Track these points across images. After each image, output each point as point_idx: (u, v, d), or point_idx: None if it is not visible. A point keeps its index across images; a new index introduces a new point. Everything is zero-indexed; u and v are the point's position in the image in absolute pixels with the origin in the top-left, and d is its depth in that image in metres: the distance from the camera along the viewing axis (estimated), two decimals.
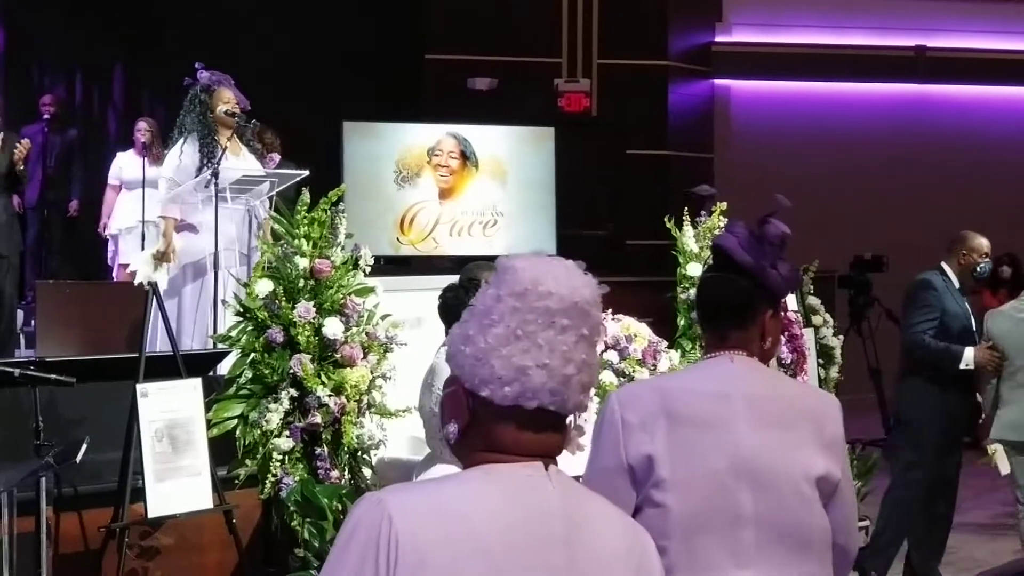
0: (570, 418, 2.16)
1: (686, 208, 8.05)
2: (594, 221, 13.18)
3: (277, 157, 8.07)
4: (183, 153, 7.87)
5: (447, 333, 2.19)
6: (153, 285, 6.04)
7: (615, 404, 3.00)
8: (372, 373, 6.02)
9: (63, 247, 12.54)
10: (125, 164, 11.09)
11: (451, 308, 5.40)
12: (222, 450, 5.89)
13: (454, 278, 5.65)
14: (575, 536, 2.08)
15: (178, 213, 7.86)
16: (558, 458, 2.16)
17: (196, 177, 7.71)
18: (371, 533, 1.99)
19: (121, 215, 11.02)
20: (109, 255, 11.33)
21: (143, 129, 11.04)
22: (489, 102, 14.15)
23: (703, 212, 7.99)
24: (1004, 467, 7.77)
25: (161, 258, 7.77)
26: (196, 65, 8.04)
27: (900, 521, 8.05)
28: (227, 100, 7.96)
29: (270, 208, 7.39)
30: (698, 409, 2.98)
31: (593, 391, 2.20)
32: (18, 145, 8.94)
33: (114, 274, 11.18)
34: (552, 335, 2.08)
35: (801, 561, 2.97)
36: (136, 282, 7.76)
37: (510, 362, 2.07)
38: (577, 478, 2.64)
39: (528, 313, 2.08)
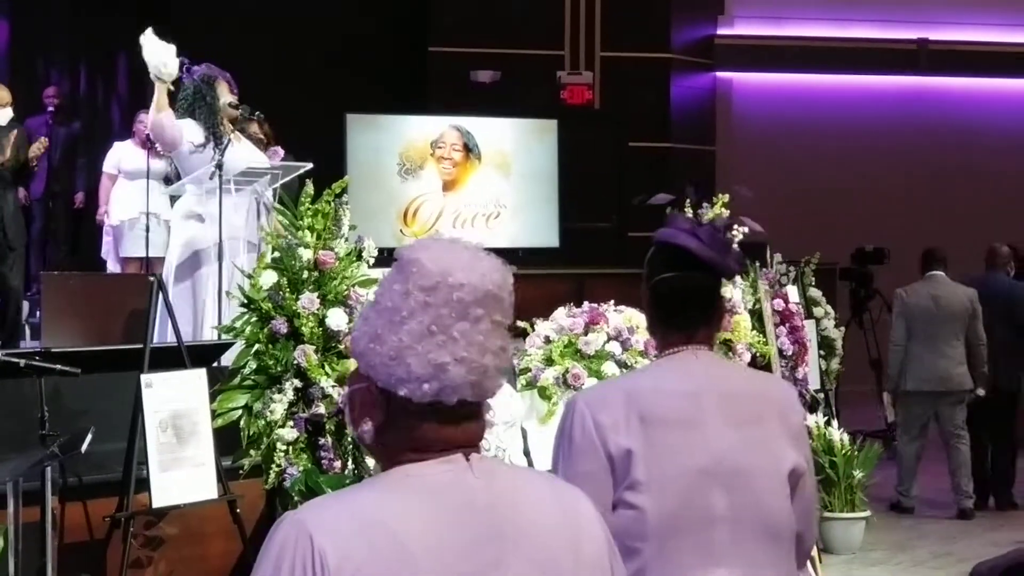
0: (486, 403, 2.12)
1: (688, 200, 8.07)
2: (596, 213, 13.18)
3: (282, 151, 8.07)
4: (185, 123, 7.80)
5: None
6: (158, 276, 6.06)
7: (584, 408, 2.94)
8: None
9: (68, 239, 12.55)
10: (124, 155, 11.05)
11: None
12: (226, 440, 5.91)
13: None
14: (503, 524, 2.04)
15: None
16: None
17: (203, 148, 7.66)
18: (296, 561, 1.93)
19: (122, 206, 10.95)
20: (104, 246, 11.27)
21: (145, 121, 11.02)
22: (492, 95, 14.15)
23: (705, 204, 8.01)
24: (891, 415, 10.38)
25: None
26: (181, 60, 7.98)
27: None
28: (228, 92, 7.95)
29: (274, 200, 7.41)
30: (669, 409, 2.93)
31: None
32: (36, 144, 9.02)
33: (110, 265, 11.14)
34: (467, 327, 2.01)
35: (774, 558, 2.95)
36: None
37: (426, 359, 2.00)
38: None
39: (442, 307, 2.01)
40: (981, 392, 9.98)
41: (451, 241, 2.09)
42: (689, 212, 7.57)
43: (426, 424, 2.04)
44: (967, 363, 9.89)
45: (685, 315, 3.04)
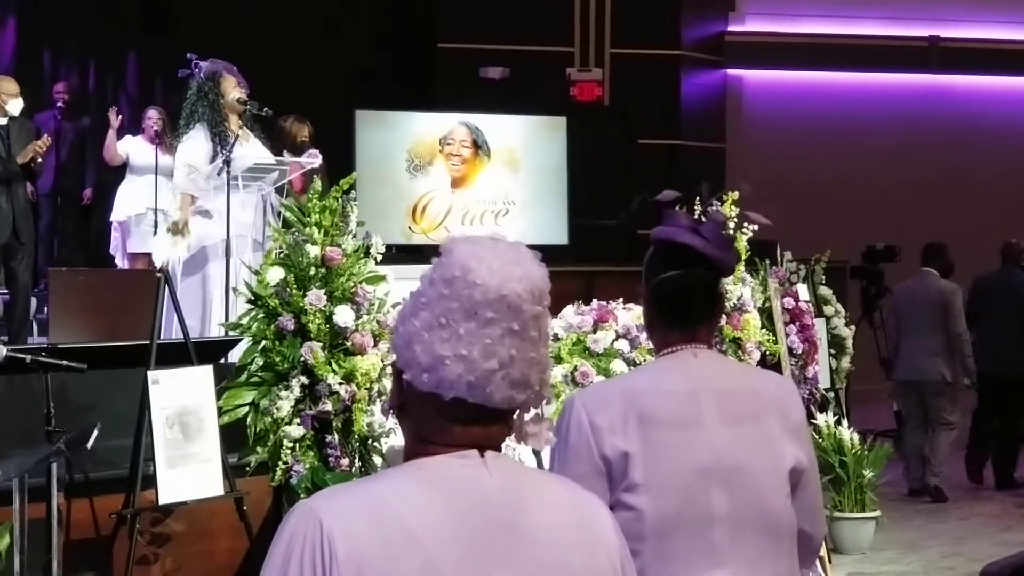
0: (534, 411, 2.09)
1: (698, 198, 8.03)
2: (606, 210, 13.16)
3: (318, 154, 8.06)
4: (191, 138, 7.84)
5: None
6: (165, 272, 6.05)
7: (581, 409, 2.92)
8: (383, 361, 6.02)
9: (76, 234, 12.56)
10: (133, 149, 11.05)
11: None
12: (233, 437, 5.91)
13: None
14: (516, 522, 2.03)
15: (195, 191, 7.85)
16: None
17: (210, 163, 7.71)
18: (305, 546, 1.95)
19: (129, 202, 10.95)
20: (113, 242, 11.26)
21: (154, 118, 11.01)
22: (501, 91, 14.14)
23: (714, 201, 7.96)
24: (896, 403, 11.09)
25: (177, 231, 7.76)
26: (189, 56, 8.01)
27: None
28: (235, 87, 7.95)
29: (282, 197, 7.39)
30: (668, 410, 2.91)
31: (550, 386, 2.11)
32: (39, 142, 9.00)
33: (118, 261, 11.14)
34: (474, 327, 2.00)
35: (774, 556, 2.93)
36: (158, 264, 7.80)
37: (430, 349, 2.01)
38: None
39: (453, 301, 2.01)
40: (966, 382, 10.55)
41: (494, 240, 2.09)
42: (698, 210, 7.53)
43: (429, 415, 2.05)
44: (951, 355, 10.46)
45: (688, 313, 3.02)
